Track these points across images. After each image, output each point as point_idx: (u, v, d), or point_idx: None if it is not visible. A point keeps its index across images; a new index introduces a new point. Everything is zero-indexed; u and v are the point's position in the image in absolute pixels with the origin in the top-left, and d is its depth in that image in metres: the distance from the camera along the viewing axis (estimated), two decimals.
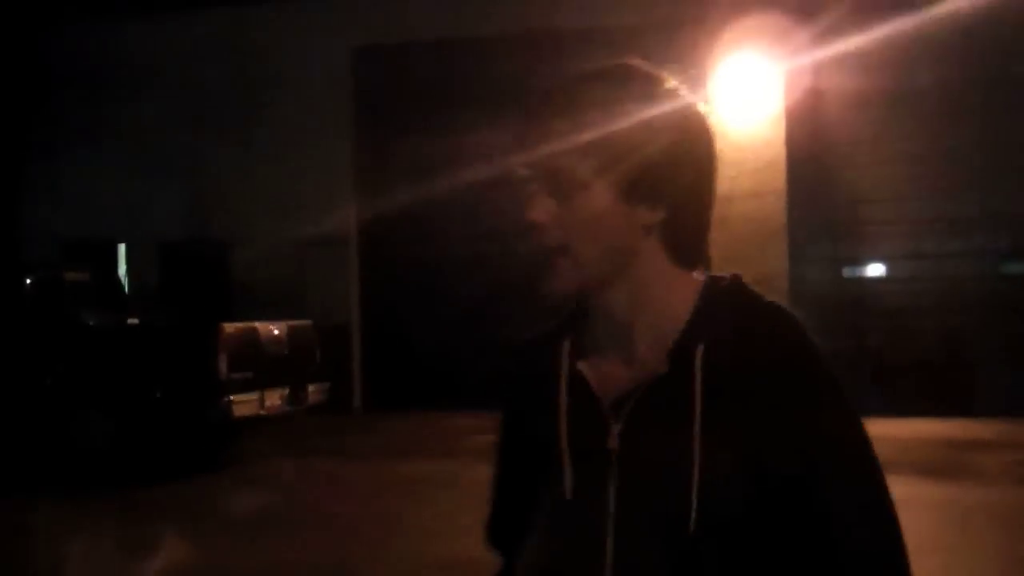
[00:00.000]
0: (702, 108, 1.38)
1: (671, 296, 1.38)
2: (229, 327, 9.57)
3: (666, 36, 9.30)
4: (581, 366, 1.40)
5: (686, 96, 1.37)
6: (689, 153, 1.36)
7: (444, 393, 11.58)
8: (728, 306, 1.37)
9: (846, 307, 10.91)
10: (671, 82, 1.36)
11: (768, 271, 10.05)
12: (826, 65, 10.73)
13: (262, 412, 9.64)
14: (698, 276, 1.40)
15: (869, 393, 10.04)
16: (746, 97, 10.27)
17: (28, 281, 10.23)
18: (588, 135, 1.32)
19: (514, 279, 8.81)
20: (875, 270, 11.39)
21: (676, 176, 1.35)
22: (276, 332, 10.11)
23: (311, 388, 10.23)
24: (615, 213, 1.33)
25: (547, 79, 1.33)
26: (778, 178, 10.52)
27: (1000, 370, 10.73)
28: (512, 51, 10.73)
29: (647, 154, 1.34)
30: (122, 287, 11.95)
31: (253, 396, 9.45)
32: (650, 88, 1.36)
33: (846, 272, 11.17)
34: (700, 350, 1.33)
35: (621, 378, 1.38)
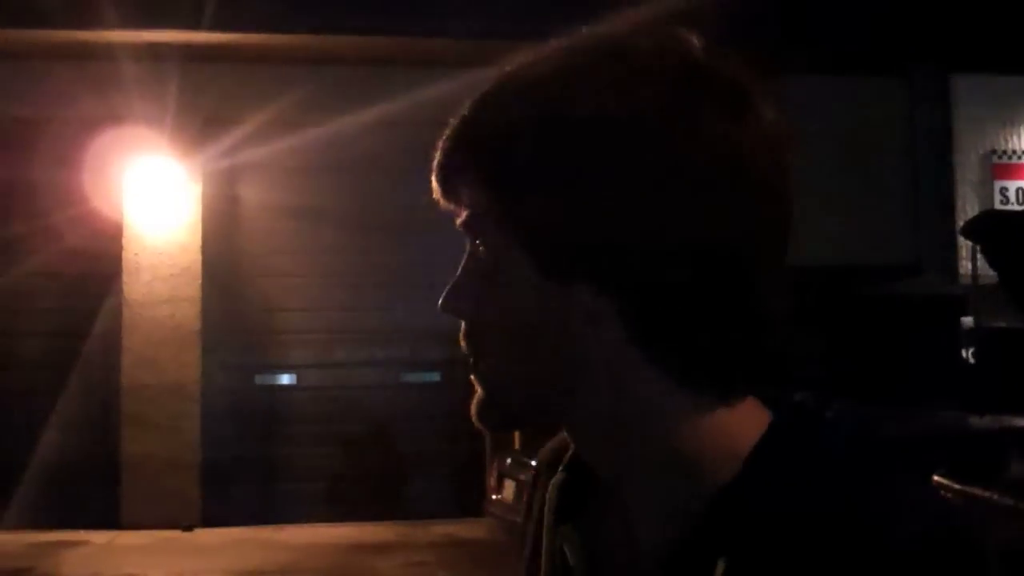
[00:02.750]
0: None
1: (683, 443, 0.87)
2: None
3: (82, 133, 10.24)
4: (565, 535, 0.97)
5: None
6: (636, 194, 0.84)
7: None
8: (814, 473, 0.84)
9: (257, 414, 10.83)
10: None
11: (181, 378, 10.70)
12: (245, 174, 10.90)
13: None
14: (760, 411, 0.89)
15: (276, 501, 10.60)
16: (162, 202, 10.71)
17: None
18: (486, 164, 0.88)
19: None
20: (287, 378, 10.99)
21: (642, 239, 0.84)
22: None
23: None
24: (537, 301, 0.88)
25: None
26: (193, 285, 10.70)
27: (403, 473, 10.95)
28: None
29: (578, 199, 0.84)
30: None
31: None
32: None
33: (258, 380, 10.84)
34: (720, 569, 0.82)
35: (618, 557, 0.93)
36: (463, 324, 0.94)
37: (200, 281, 10.72)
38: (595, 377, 0.88)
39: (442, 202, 0.94)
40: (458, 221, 0.92)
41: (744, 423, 0.88)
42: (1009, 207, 12.00)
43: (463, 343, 0.94)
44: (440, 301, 0.94)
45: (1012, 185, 12.11)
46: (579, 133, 0.85)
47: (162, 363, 10.64)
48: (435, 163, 0.92)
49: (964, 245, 11.41)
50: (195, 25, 9.75)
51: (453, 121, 0.91)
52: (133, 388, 10.59)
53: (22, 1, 9.61)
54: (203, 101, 10.56)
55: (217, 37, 10.03)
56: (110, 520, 10.23)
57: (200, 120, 10.61)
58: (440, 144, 0.92)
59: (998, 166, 12.14)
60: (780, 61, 11.29)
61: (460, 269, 0.93)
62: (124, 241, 10.64)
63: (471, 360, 0.94)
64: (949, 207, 11.91)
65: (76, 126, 10.29)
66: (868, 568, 0.78)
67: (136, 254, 10.70)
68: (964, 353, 10.04)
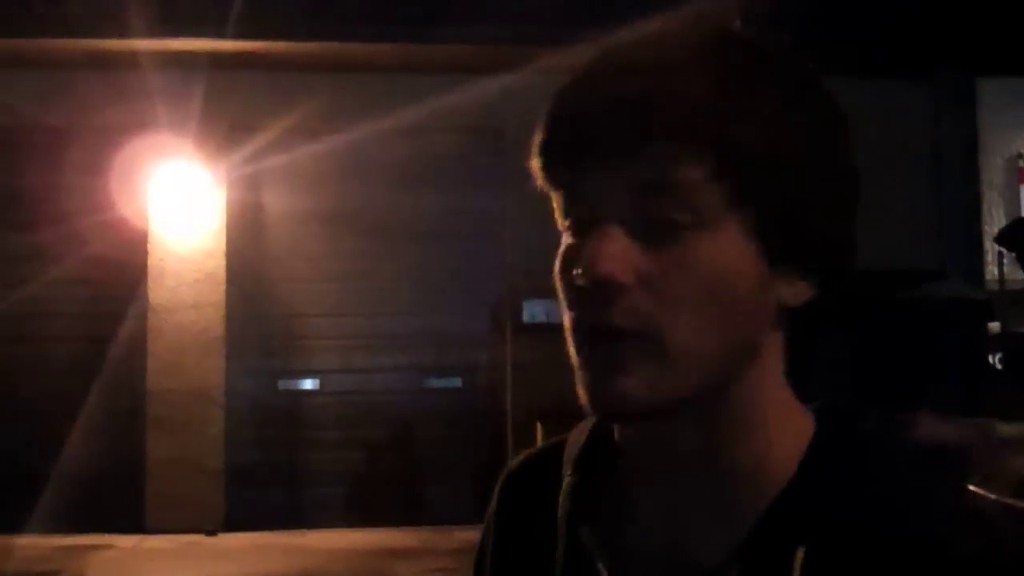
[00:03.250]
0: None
1: (773, 446, 0.89)
2: None
3: (107, 140, 10.25)
4: (588, 539, 0.94)
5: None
6: (850, 194, 0.93)
7: None
8: (865, 476, 0.87)
9: (281, 419, 10.86)
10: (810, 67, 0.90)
11: (205, 383, 10.75)
12: (269, 179, 10.90)
13: None
14: (805, 411, 0.93)
15: (300, 505, 10.66)
16: (187, 207, 10.75)
17: None
18: (711, 132, 0.83)
19: None
20: (310, 383, 10.99)
21: (836, 228, 0.92)
22: None
23: None
24: (749, 276, 0.86)
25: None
26: (217, 290, 10.75)
27: (426, 478, 10.98)
28: None
29: (813, 182, 0.88)
30: None
31: None
32: (799, 73, 0.90)
33: (281, 385, 10.86)
34: (800, 556, 0.83)
35: (655, 569, 0.91)
36: (621, 291, 0.85)
37: (224, 286, 10.75)
38: (762, 368, 0.90)
39: (619, 139, 0.86)
40: (641, 176, 0.85)
41: (802, 424, 0.93)
42: None
43: (625, 311, 0.85)
44: (598, 265, 0.84)
45: None
46: (824, 138, 0.91)
47: (186, 368, 10.68)
48: (627, 119, 0.85)
49: (990, 249, 11.36)
50: (220, 33, 9.79)
51: (662, 75, 0.85)
52: (158, 392, 10.63)
53: (48, 10, 9.68)
54: (228, 108, 10.59)
55: (242, 45, 10.06)
56: (135, 524, 10.28)
57: (225, 127, 10.64)
58: (632, 101, 0.84)
59: None
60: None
61: (618, 234, 0.86)
62: (149, 247, 10.69)
63: (633, 332, 0.85)
64: (974, 211, 11.85)
65: (102, 133, 10.34)
66: (932, 560, 0.83)
67: (161, 259, 10.74)
68: (991, 358, 9.99)
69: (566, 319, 0.91)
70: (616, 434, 0.96)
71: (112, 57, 10.11)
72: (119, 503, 10.38)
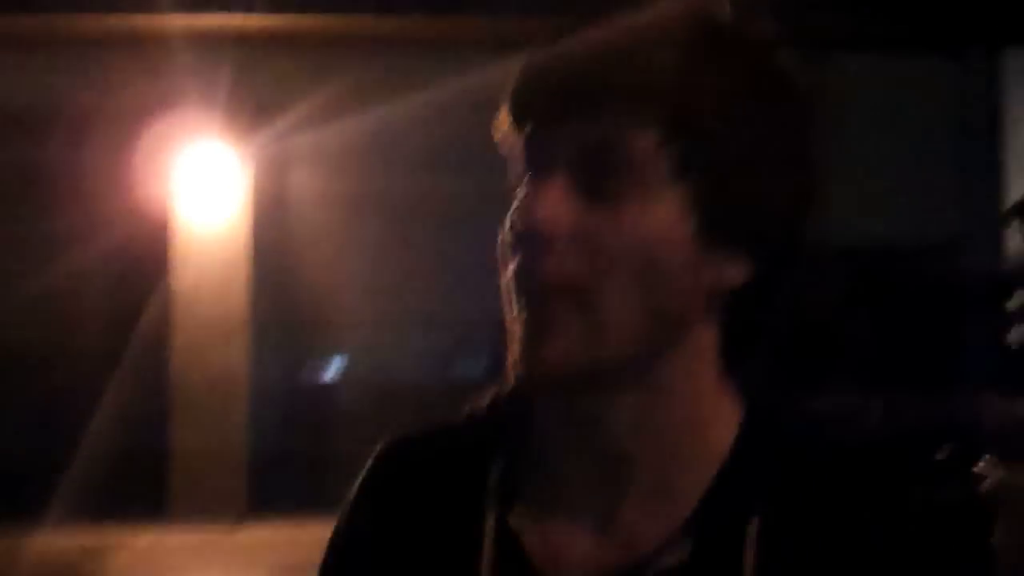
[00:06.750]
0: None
1: (707, 424, 0.90)
2: None
3: (132, 120, 9.99)
4: (516, 523, 0.91)
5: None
6: (802, 182, 0.90)
7: None
8: (793, 452, 0.91)
9: (307, 407, 10.76)
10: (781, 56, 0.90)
11: (230, 369, 10.55)
12: (296, 160, 10.75)
13: None
14: (735, 396, 0.93)
15: (326, 494, 10.37)
16: (212, 190, 10.54)
17: None
18: (666, 99, 0.84)
19: None
20: (336, 370, 10.99)
21: (781, 211, 0.88)
22: None
23: None
24: (684, 249, 0.85)
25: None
26: (242, 274, 10.59)
27: None
28: None
29: (761, 164, 0.87)
30: None
31: None
32: (770, 61, 0.90)
33: (308, 371, 10.78)
34: (755, 525, 0.86)
35: (590, 556, 0.88)
36: (550, 243, 0.85)
37: (249, 271, 10.55)
38: (693, 348, 0.89)
39: (555, 111, 0.88)
40: (590, 133, 0.86)
41: (732, 408, 0.94)
42: None
43: (560, 269, 0.85)
44: (532, 212, 0.86)
45: None
46: (781, 124, 0.89)
47: (211, 354, 10.48)
48: (584, 79, 0.86)
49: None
50: (249, 8, 9.59)
51: (605, 47, 0.87)
52: (182, 381, 10.44)
53: None
54: (256, 87, 10.38)
55: (271, 20, 9.87)
56: (158, 513, 10.12)
57: (252, 106, 10.43)
58: (593, 63, 0.87)
59: None
60: (827, 38, 11.21)
61: (559, 186, 0.86)
62: (173, 229, 10.49)
63: (560, 287, 0.85)
64: (996, 182, 11.86)
65: (127, 113, 10.12)
66: (869, 498, 0.90)
67: (185, 243, 10.54)
68: (1013, 333, 9.98)
69: (503, 278, 0.90)
70: (538, 410, 0.95)
71: (138, 34, 9.89)
72: (142, 493, 10.21)
